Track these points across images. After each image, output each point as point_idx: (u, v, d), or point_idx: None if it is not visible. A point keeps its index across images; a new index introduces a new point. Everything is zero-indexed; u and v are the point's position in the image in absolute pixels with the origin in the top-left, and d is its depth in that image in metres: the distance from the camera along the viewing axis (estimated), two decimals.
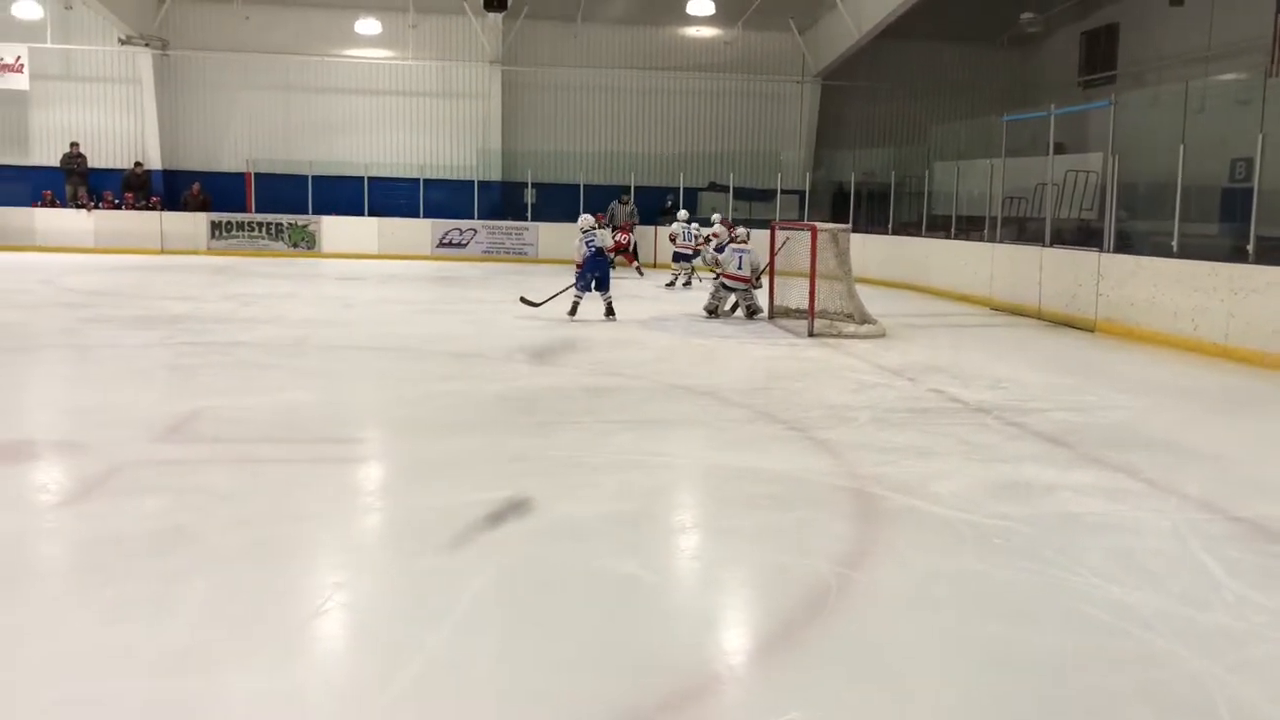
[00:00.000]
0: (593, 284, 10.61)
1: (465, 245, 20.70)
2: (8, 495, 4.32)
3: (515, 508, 4.14)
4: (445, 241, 20.72)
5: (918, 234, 16.64)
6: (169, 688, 2.64)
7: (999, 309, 12.75)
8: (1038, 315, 11.80)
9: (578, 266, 10.81)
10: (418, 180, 21.30)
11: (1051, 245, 11.99)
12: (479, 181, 21.64)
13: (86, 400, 6.46)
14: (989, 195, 14.27)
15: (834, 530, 4.07)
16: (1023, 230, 14.28)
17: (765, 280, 11.40)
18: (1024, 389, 7.33)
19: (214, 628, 3.00)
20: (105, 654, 2.82)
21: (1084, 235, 13.14)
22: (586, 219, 11.18)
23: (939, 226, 16.13)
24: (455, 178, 21.68)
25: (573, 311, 10.54)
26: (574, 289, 10.66)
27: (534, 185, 21.40)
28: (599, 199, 19.92)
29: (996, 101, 18.10)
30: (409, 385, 7.19)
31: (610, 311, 10.62)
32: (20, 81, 20.45)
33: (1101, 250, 10.88)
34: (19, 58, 20.32)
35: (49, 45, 20.62)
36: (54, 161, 20.75)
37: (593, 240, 10.68)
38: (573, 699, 2.65)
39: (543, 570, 3.54)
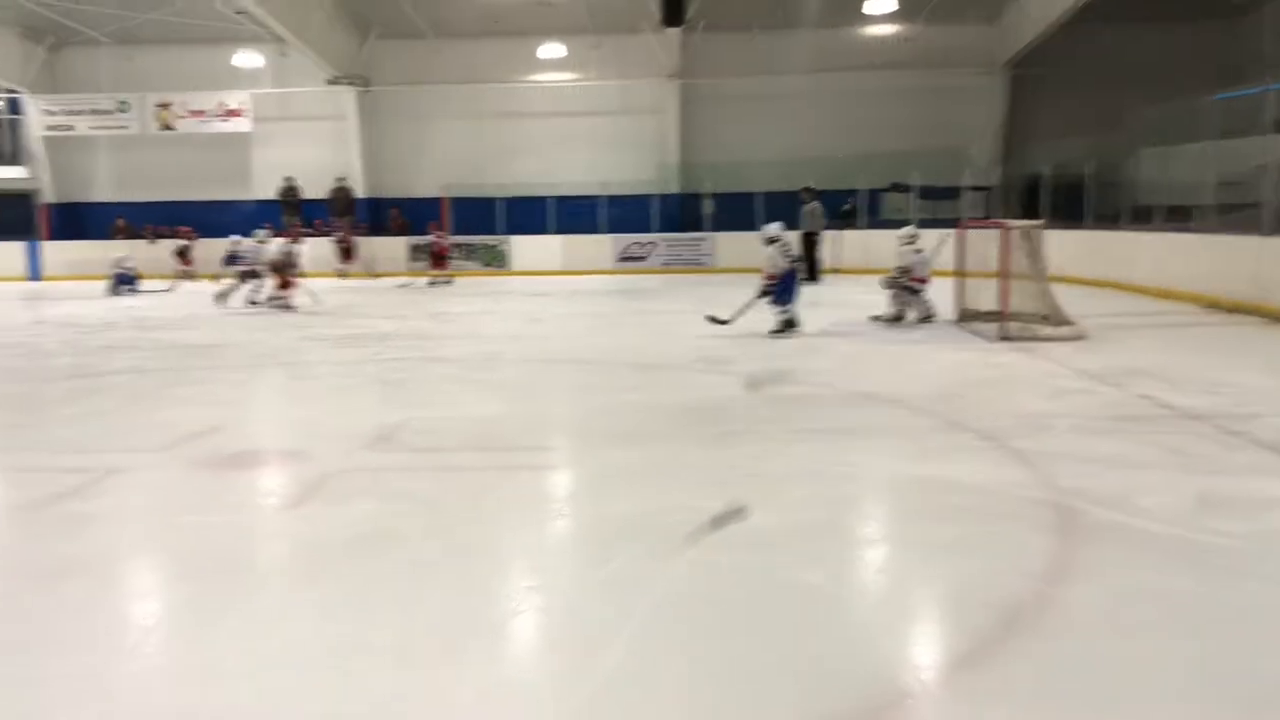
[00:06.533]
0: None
1: (645, 258, 21.10)
2: (240, 500, 4.75)
3: (699, 515, 4.19)
4: (626, 255, 21.17)
5: (1119, 227, 15.67)
6: (380, 680, 2.83)
7: (1213, 306, 11.85)
8: (1259, 312, 10.89)
9: (771, 279, 10.20)
10: (599, 197, 21.85)
11: (1275, 234, 11.04)
12: (658, 195, 21.98)
13: (306, 413, 6.99)
14: (1199, 182, 13.29)
15: (1031, 545, 3.89)
16: (1240, 219, 13.21)
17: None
18: (1245, 393, 6.78)
19: (419, 627, 3.19)
20: (322, 648, 3.05)
21: None
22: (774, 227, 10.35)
23: (1142, 218, 15.13)
24: (635, 193, 22.11)
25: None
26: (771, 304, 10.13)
27: (712, 196, 21.53)
28: (777, 206, 19.81)
29: (1204, 81, 16.84)
30: (595, 396, 7.39)
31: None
32: (244, 124, 22.50)
33: None
34: (242, 103, 22.31)
35: (268, 90, 22.52)
36: (272, 195, 22.63)
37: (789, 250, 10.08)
38: (758, 709, 2.67)
39: (727, 579, 3.56)
